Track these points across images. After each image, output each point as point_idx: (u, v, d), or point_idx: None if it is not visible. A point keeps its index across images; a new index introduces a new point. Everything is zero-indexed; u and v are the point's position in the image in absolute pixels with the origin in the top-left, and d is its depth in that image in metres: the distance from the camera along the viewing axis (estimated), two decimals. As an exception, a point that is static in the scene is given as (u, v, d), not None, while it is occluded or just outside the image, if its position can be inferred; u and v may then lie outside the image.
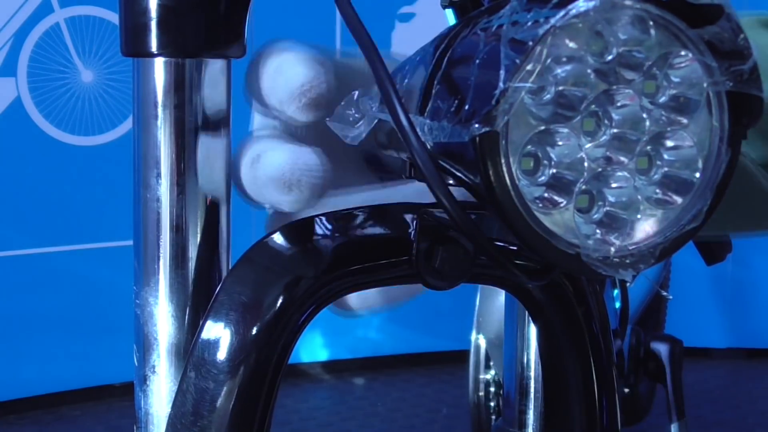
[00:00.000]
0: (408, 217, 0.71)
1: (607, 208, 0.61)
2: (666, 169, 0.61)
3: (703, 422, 2.61)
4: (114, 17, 2.57)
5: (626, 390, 1.62)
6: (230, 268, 0.70)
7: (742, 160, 0.80)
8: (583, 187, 0.60)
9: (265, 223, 0.77)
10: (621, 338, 1.52)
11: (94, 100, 2.63)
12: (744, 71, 0.59)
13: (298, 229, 0.70)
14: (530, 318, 0.83)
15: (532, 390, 0.89)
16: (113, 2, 0.71)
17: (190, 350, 0.68)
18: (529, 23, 0.57)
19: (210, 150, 0.69)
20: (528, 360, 0.89)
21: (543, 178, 0.60)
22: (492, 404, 1.74)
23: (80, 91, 2.62)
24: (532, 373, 0.89)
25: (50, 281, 2.61)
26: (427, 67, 0.66)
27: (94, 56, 2.61)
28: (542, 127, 0.59)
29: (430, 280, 0.69)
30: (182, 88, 0.68)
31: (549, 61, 0.57)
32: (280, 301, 0.67)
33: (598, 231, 0.61)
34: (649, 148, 0.61)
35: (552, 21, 0.56)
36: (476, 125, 0.57)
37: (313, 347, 2.90)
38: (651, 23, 0.59)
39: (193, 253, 0.69)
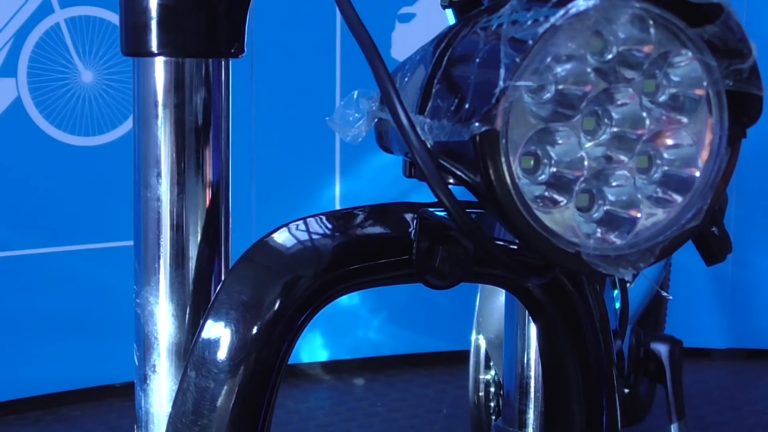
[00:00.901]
0: (408, 216, 0.71)
1: (608, 207, 0.61)
2: (666, 167, 0.61)
3: (702, 423, 2.61)
4: (114, 17, 2.57)
5: (626, 390, 1.61)
6: (230, 267, 0.70)
7: None
8: (583, 185, 0.60)
9: None
10: (621, 338, 1.51)
11: (94, 101, 2.63)
12: (744, 70, 0.59)
13: (298, 228, 0.70)
14: (530, 318, 0.83)
15: (532, 390, 0.89)
16: (113, 2, 0.71)
17: (191, 349, 0.68)
18: (529, 22, 0.57)
19: (210, 149, 0.69)
20: (528, 360, 0.89)
21: (543, 176, 0.60)
22: (492, 404, 1.74)
23: (80, 91, 2.62)
24: (533, 373, 0.89)
25: (50, 281, 2.61)
26: (427, 66, 0.66)
27: (94, 56, 2.61)
28: (542, 126, 0.59)
29: (430, 280, 0.69)
30: (182, 87, 0.68)
31: (549, 59, 0.57)
32: (279, 300, 0.67)
33: (598, 230, 0.61)
34: (648, 147, 0.61)
35: (552, 20, 0.56)
36: (476, 124, 0.57)
37: (313, 348, 2.90)
38: (651, 22, 0.59)
39: (193, 252, 0.69)
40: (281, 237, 0.70)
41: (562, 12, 0.56)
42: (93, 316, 2.66)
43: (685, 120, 0.61)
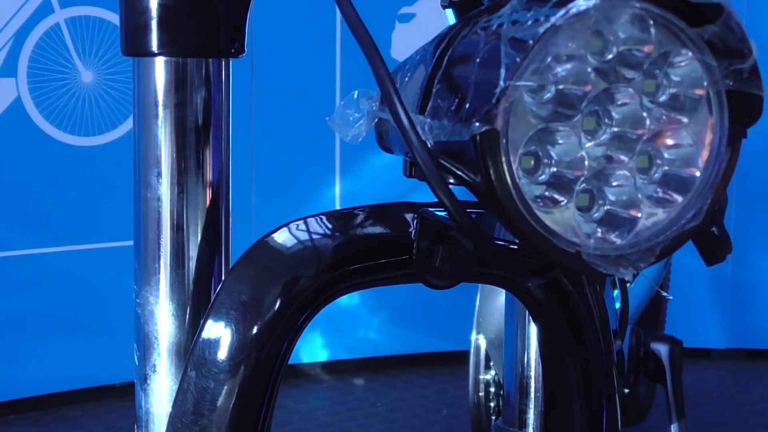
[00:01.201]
0: (408, 216, 0.71)
1: (608, 207, 0.61)
2: (666, 167, 0.61)
3: (702, 423, 2.61)
4: (114, 17, 2.57)
5: (626, 390, 1.61)
6: (230, 267, 0.70)
7: None
8: (584, 185, 0.60)
9: None
10: (621, 338, 1.51)
11: (94, 101, 2.63)
12: (744, 70, 0.59)
13: (298, 228, 0.70)
14: (530, 318, 0.83)
15: (532, 389, 0.89)
16: (113, 2, 0.71)
17: (191, 349, 0.68)
18: (530, 22, 0.57)
19: (210, 149, 0.69)
20: (528, 360, 0.89)
21: (543, 176, 0.60)
22: (492, 404, 1.74)
23: (80, 91, 2.62)
24: (533, 373, 0.89)
25: (50, 281, 2.61)
26: (428, 66, 0.66)
27: (94, 56, 2.61)
28: (542, 126, 0.59)
29: (431, 280, 0.69)
30: (183, 87, 0.68)
31: (549, 59, 0.57)
32: (280, 300, 0.67)
33: (598, 229, 0.61)
34: (649, 147, 0.61)
35: (552, 20, 0.56)
36: (477, 124, 0.57)
37: (312, 348, 2.90)
38: (651, 22, 0.59)
39: (193, 252, 0.69)
40: (281, 237, 0.70)
41: (562, 12, 0.56)
42: (93, 316, 2.66)
43: (685, 120, 0.61)
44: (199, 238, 0.69)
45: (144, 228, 0.69)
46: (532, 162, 0.59)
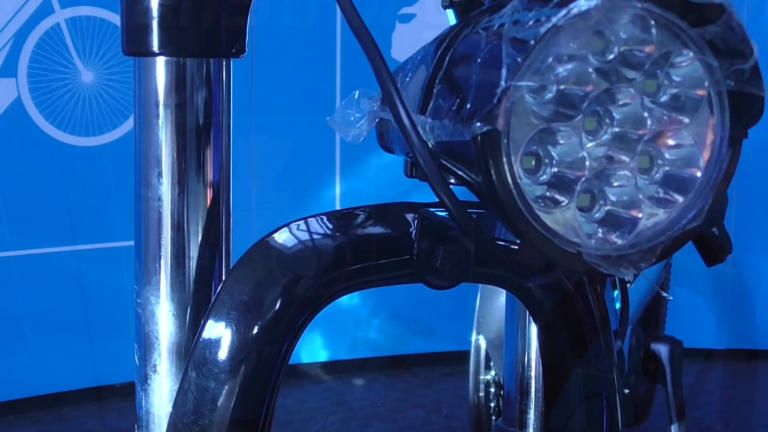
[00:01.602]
0: (409, 216, 0.71)
1: (609, 207, 0.61)
2: (667, 168, 0.61)
3: (703, 423, 2.62)
4: (115, 18, 2.58)
5: (626, 390, 1.61)
6: (231, 267, 0.70)
7: None
8: (585, 185, 0.60)
9: None
10: (621, 338, 1.51)
11: (94, 101, 2.63)
12: (745, 70, 0.59)
13: (299, 228, 0.70)
14: (531, 318, 0.83)
15: (532, 390, 0.89)
16: (114, 2, 0.71)
17: (191, 349, 0.68)
18: (531, 22, 0.57)
19: (211, 149, 0.69)
20: (528, 360, 0.89)
21: (544, 176, 0.60)
22: (492, 404, 1.74)
23: (80, 91, 2.62)
24: (533, 373, 0.89)
25: (50, 281, 2.61)
26: (429, 66, 0.66)
27: (94, 56, 2.61)
28: (544, 126, 0.59)
29: (431, 280, 0.69)
30: (183, 87, 0.68)
31: (550, 59, 0.57)
32: (280, 300, 0.67)
33: (599, 230, 0.61)
34: (650, 147, 0.61)
35: (553, 20, 0.56)
36: (478, 124, 0.57)
37: (313, 348, 2.90)
38: (652, 22, 0.59)
39: (194, 252, 0.69)
40: (282, 237, 0.70)
41: (563, 12, 0.56)
42: (93, 316, 2.66)
43: (686, 120, 0.61)
44: (200, 238, 0.69)
45: (145, 228, 0.69)
46: (533, 162, 0.59)
